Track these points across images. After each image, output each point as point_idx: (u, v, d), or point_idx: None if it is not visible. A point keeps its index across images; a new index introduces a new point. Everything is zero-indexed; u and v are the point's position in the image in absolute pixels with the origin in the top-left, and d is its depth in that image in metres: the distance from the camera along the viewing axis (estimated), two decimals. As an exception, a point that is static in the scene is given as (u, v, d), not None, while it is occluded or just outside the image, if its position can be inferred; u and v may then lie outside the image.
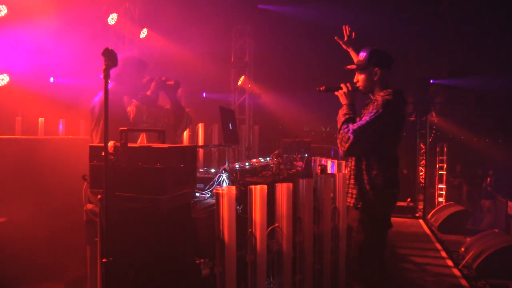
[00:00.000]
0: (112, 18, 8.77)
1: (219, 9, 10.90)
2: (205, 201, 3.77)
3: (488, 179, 12.46)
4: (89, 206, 3.59)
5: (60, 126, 8.03)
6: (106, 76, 2.50)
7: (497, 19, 12.80)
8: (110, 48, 2.51)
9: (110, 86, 4.41)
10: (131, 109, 4.41)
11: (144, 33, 9.53)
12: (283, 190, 3.51)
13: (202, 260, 3.04)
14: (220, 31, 11.61)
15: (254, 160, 6.59)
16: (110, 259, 2.47)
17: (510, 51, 13.67)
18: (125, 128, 2.82)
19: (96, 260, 3.09)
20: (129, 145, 2.82)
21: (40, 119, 7.87)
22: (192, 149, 3.12)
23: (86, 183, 3.02)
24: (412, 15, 13.24)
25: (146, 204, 2.69)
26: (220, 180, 3.99)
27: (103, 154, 2.52)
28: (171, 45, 9.99)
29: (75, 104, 7.63)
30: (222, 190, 2.99)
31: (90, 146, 2.93)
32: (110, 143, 2.79)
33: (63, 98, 8.14)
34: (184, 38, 10.33)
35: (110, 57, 2.50)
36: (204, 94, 12.57)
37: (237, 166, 5.12)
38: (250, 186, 3.23)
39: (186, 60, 10.25)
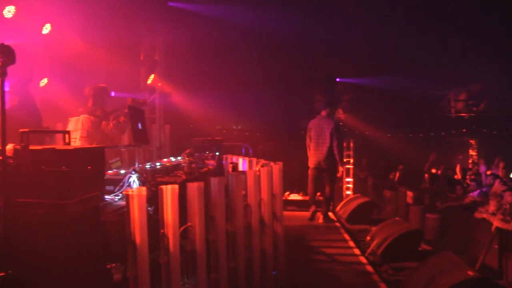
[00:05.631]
0: (9, 11, 8.17)
1: (128, 5, 10.60)
2: (116, 203, 3.66)
3: (397, 173, 13.21)
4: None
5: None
6: (3, 74, 2.35)
7: (399, 21, 13.61)
8: (6, 44, 2.36)
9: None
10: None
11: (47, 28, 9.00)
12: (194, 189, 3.50)
13: (114, 264, 2.95)
14: (129, 28, 11.29)
15: (165, 159, 6.49)
16: (9, 272, 2.32)
17: (411, 52, 14.60)
18: (27, 130, 2.67)
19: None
20: (31, 147, 2.66)
21: None
22: (99, 151, 3.01)
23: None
24: (319, 15, 13.71)
25: (51, 210, 2.56)
26: (131, 181, 3.89)
27: (0, 158, 2.36)
28: (77, 42, 9.56)
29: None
30: (132, 191, 2.92)
31: (-14, 150, 2.73)
32: (9, 146, 2.63)
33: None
34: (90, 35, 9.93)
35: (6, 54, 2.35)
36: (113, 93, 12.16)
37: (147, 166, 5.02)
38: (161, 186, 3.18)
39: (93, 58, 9.87)
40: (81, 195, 2.66)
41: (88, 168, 2.74)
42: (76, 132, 5.52)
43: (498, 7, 13.01)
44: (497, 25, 13.58)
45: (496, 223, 7.15)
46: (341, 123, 16.35)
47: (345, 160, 13.14)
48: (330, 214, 9.24)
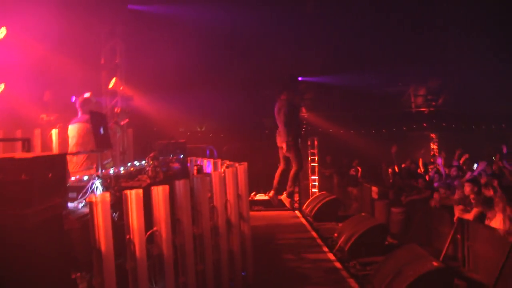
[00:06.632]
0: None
1: (87, 9, 10.40)
2: (79, 210, 3.59)
3: (357, 169, 13.42)
4: None
5: None
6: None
7: (357, 22, 13.85)
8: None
9: None
10: None
11: (2, 32, 8.72)
12: (159, 193, 3.47)
13: (79, 274, 2.89)
14: (88, 31, 11.09)
15: (129, 164, 6.41)
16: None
17: (370, 51, 14.87)
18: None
19: None
20: (-14, 157, 2.58)
21: None
22: (61, 157, 2.95)
23: None
24: (280, 16, 13.81)
25: (9, 221, 2.47)
26: (94, 188, 3.82)
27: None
28: (35, 46, 9.31)
29: None
30: (95, 198, 2.88)
31: None
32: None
33: None
34: (49, 40, 9.69)
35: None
36: (74, 98, 11.88)
37: (111, 171, 4.95)
38: (125, 191, 3.15)
39: (52, 62, 9.64)
40: (41, 203, 2.58)
41: (49, 176, 2.67)
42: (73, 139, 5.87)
43: (455, 4, 13.43)
44: (454, 21, 13.99)
45: (458, 213, 7.35)
46: (304, 122, 16.55)
47: (309, 158, 13.29)
48: (297, 212, 9.33)
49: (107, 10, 11.37)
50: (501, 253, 5.82)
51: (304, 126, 16.80)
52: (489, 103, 16.02)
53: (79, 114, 6.19)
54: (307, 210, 10.40)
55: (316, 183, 13.34)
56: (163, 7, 13.11)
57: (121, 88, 12.03)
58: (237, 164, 5.38)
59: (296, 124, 8.32)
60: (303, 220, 9.28)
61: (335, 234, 8.06)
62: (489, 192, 7.18)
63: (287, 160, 8.44)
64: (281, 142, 8.15)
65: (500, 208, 6.59)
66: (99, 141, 4.48)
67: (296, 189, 9.10)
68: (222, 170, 5.11)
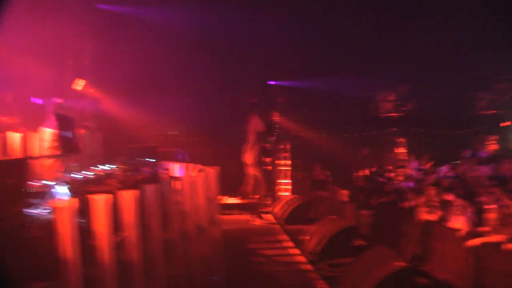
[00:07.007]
0: None
1: (54, 9, 10.19)
2: (44, 217, 3.49)
3: (327, 172, 13.54)
4: None
5: None
6: None
7: (330, 27, 14.00)
8: None
9: None
10: None
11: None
12: (128, 197, 3.40)
13: (43, 284, 2.80)
14: (56, 31, 10.85)
15: (98, 168, 6.29)
16: None
17: (342, 56, 15.06)
18: None
19: None
20: None
21: None
22: (22, 162, 2.86)
23: None
24: (254, 19, 13.84)
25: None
26: (60, 193, 3.72)
27: None
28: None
29: None
30: (61, 203, 2.80)
31: None
32: None
33: None
34: (16, 39, 9.45)
35: None
36: (41, 101, 11.62)
37: (79, 176, 4.85)
38: (91, 197, 3.07)
39: (17, 63, 9.40)
40: (0, 211, 2.48)
41: (9, 181, 2.57)
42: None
43: (424, 11, 13.72)
44: (423, 28, 14.30)
45: (422, 215, 7.50)
46: (277, 126, 16.62)
47: (282, 162, 13.34)
48: (268, 216, 9.39)
49: (75, 9, 11.17)
50: (463, 252, 5.96)
51: (276, 130, 16.85)
52: (455, 109, 16.52)
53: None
54: (279, 214, 10.40)
55: (289, 187, 13.36)
56: (134, 8, 12.97)
57: (89, 90, 11.84)
58: (208, 168, 5.34)
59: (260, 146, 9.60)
60: (275, 223, 9.30)
61: (307, 237, 8.08)
62: (451, 196, 7.35)
63: (254, 176, 9.73)
64: (247, 158, 9.52)
65: (460, 211, 6.75)
66: (66, 145, 4.38)
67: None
68: (194, 174, 5.06)
